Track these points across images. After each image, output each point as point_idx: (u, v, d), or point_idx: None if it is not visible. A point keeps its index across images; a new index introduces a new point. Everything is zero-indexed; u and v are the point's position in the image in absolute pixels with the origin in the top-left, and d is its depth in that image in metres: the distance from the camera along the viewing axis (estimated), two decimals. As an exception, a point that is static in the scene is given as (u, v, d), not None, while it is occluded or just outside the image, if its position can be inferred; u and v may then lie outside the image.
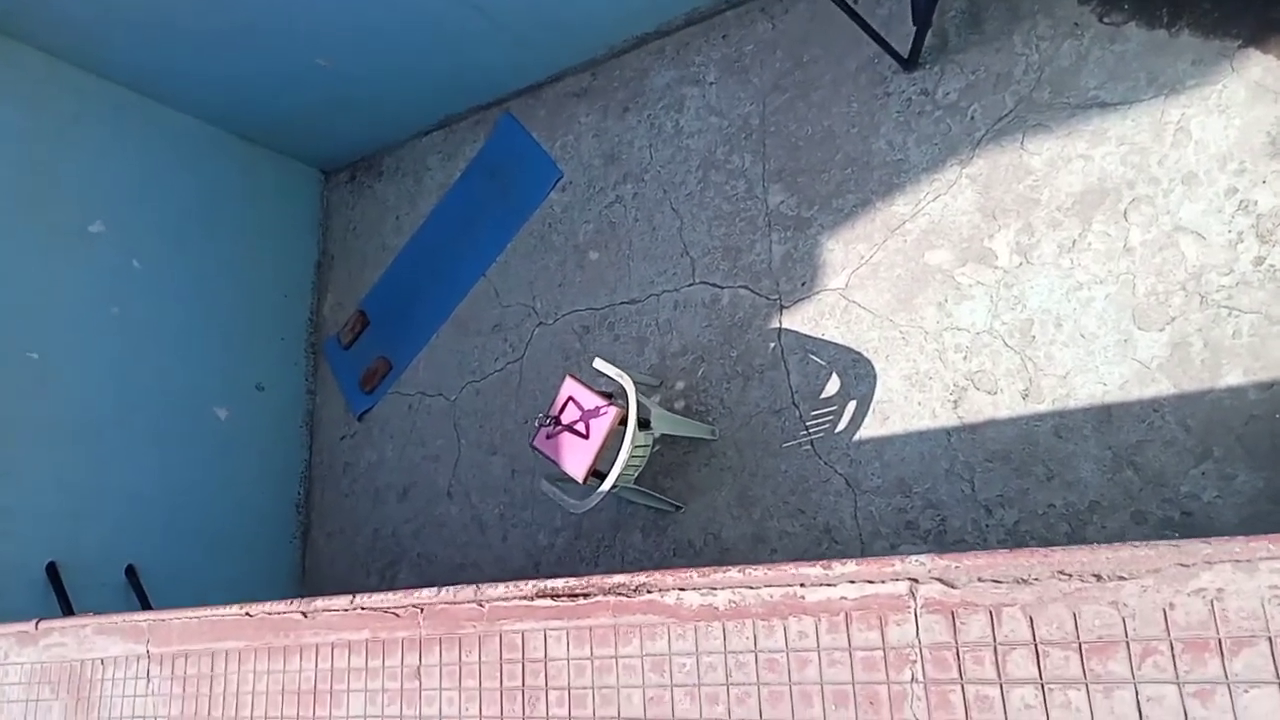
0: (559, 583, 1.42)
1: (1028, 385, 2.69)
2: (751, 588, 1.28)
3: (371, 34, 3.69)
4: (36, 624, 1.86)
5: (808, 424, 3.06)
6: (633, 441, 2.75)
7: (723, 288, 3.37)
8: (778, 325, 3.21)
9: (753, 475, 3.14)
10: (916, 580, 1.16)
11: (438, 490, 4.00)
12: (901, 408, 2.89)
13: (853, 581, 1.21)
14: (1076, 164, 2.71)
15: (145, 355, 3.87)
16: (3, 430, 3.35)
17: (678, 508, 3.25)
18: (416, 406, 4.19)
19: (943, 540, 2.75)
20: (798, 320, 3.17)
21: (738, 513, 3.15)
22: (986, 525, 2.68)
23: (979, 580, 1.11)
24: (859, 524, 2.90)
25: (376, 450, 4.29)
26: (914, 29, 2.98)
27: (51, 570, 3.36)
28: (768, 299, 3.25)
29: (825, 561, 1.24)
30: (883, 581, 1.19)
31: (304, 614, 1.50)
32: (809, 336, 3.13)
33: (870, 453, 2.92)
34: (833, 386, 3.04)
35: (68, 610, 3.29)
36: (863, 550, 2.87)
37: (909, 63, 3.06)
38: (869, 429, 2.94)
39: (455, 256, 4.23)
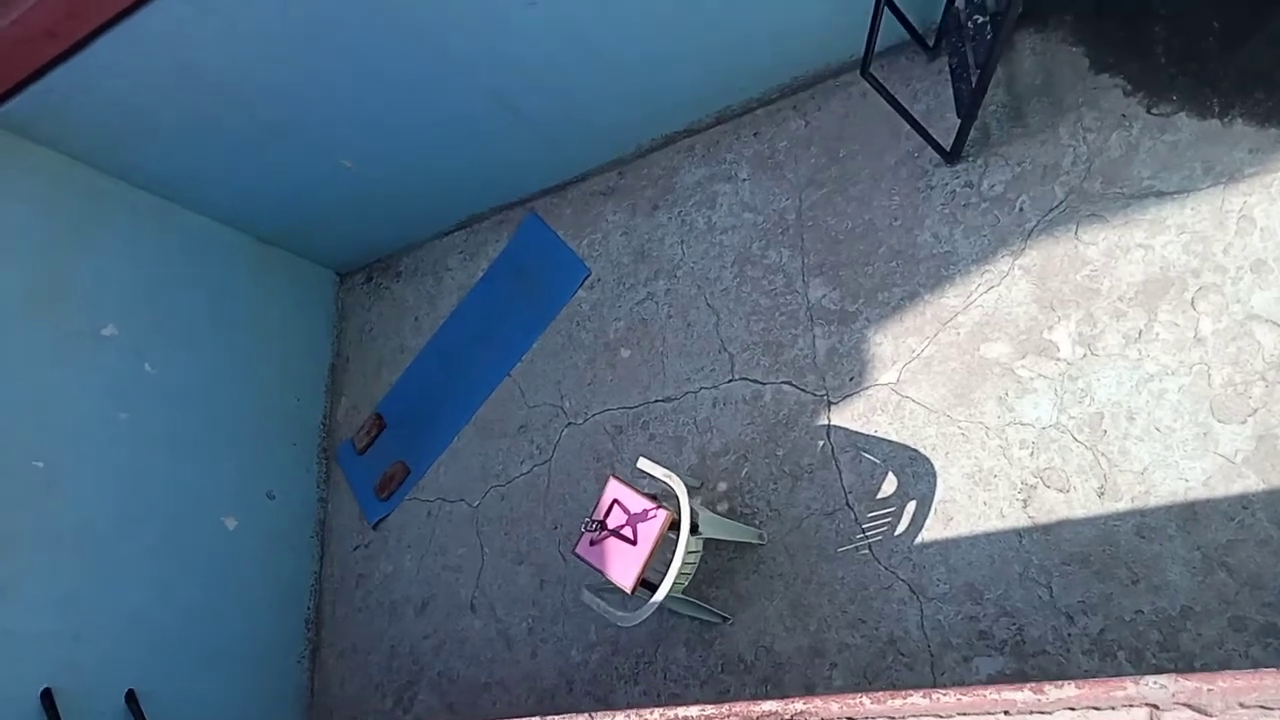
0: (694, 711, 1.22)
1: (1102, 482, 2.55)
2: (940, 717, 1.10)
3: (400, 132, 3.67)
4: None
5: (864, 526, 2.90)
6: (686, 548, 2.58)
7: (764, 384, 3.25)
8: (826, 422, 3.08)
9: (806, 582, 2.95)
10: (1157, 707, 0.99)
11: (459, 603, 3.77)
12: (966, 508, 2.74)
13: (1073, 709, 1.03)
14: (1136, 253, 2.65)
15: (153, 463, 3.69)
16: (2, 544, 3.13)
17: (725, 619, 3.04)
18: (436, 513, 3.99)
19: (1021, 651, 2.55)
20: (847, 417, 3.04)
21: (791, 623, 2.94)
22: (1069, 634, 2.49)
23: (1240, 706, 0.94)
24: (926, 634, 2.70)
25: (393, 561, 4.07)
26: (958, 122, 2.97)
27: (47, 698, 3.09)
28: (814, 395, 3.13)
29: (1035, 685, 1.06)
30: (1113, 708, 1.01)
31: None
32: (860, 434, 3.00)
33: (935, 556, 2.75)
34: (889, 486, 2.89)
35: (61, 743, 3.01)
36: (932, 664, 2.67)
37: (951, 155, 3.03)
38: (932, 531, 2.78)
39: (478, 357, 4.12)
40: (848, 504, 2.95)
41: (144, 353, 3.76)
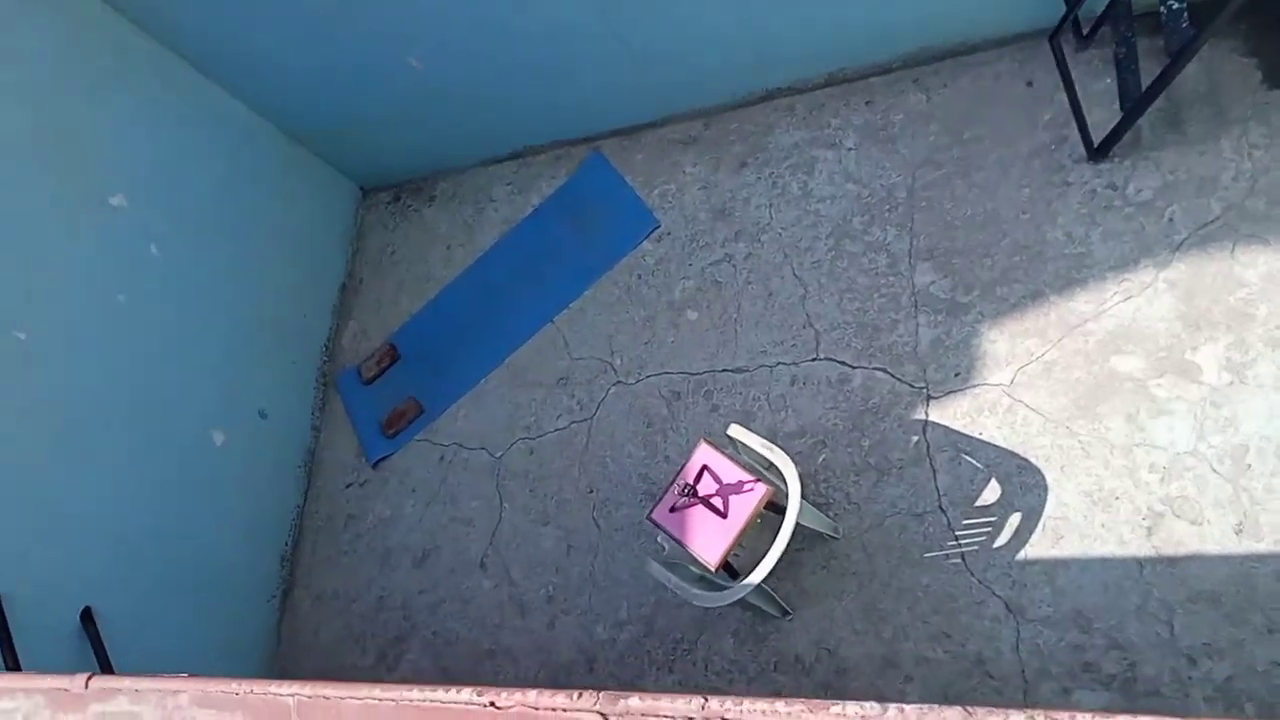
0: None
1: (1242, 519, 2.34)
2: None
3: (483, 35, 3.30)
4: (87, 681, 1.26)
5: (958, 534, 2.65)
6: (793, 532, 2.28)
7: (854, 367, 2.99)
8: (923, 417, 2.82)
9: (884, 586, 2.69)
10: None
11: (468, 559, 3.41)
12: (1080, 527, 2.51)
13: None
14: (1303, 281, 2.46)
15: (146, 354, 3.25)
16: (-33, 414, 2.68)
17: (787, 613, 2.75)
18: (451, 459, 3.62)
19: (1132, 690, 2.33)
20: (949, 414, 2.79)
21: (862, 627, 2.68)
22: (1190, 678, 2.28)
23: None
24: (1021, 658, 2.46)
25: (391, 504, 3.68)
26: (1105, 118, 2.75)
27: (-7, 602, 2.64)
28: (911, 386, 2.87)
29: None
30: None
31: (603, 715, 0.99)
32: (962, 434, 2.75)
33: (1038, 575, 2.51)
34: (991, 494, 2.65)
35: (9, 656, 2.57)
36: (1026, 691, 2.43)
37: (1099, 152, 2.81)
38: (1037, 548, 2.54)
39: (518, 297, 3.76)
40: (940, 507, 2.70)
41: (152, 233, 3.32)
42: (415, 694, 1.10)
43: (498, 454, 3.53)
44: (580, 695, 1.02)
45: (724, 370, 3.21)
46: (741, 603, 2.71)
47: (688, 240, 3.49)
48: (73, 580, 2.91)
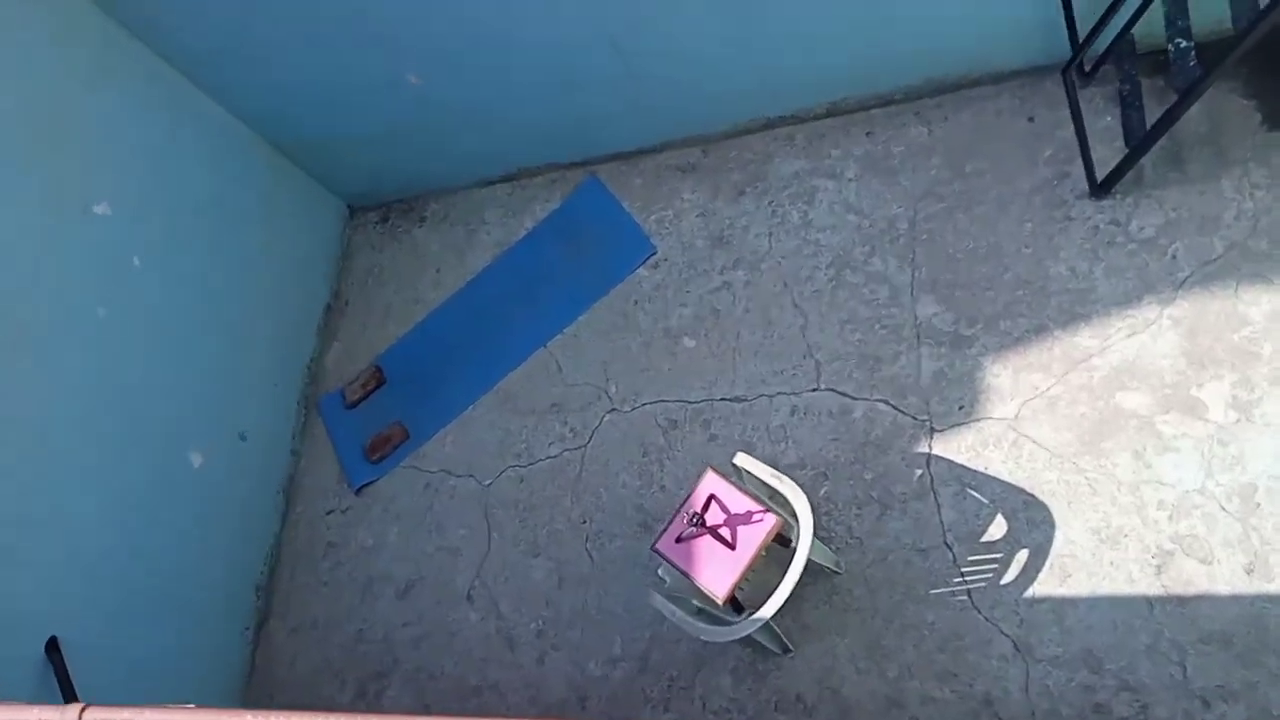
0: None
1: (1252, 559, 2.32)
2: None
3: (484, 52, 3.25)
4: (80, 713, 1.15)
5: (964, 570, 2.60)
6: (804, 565, 2.22)
7: (856, 399, 2.95)
8: (926, 450, 2.79)
9: (887, 622, 2.63)
10: None
11: (454, 591, 3.30)
12: (1088, 565, 2.47)
13: None
14: (1308, 320, 2.47)
15: (125, 371, 3.12)
16: (-65, 431, 2.54)
17: (788, 650, 2.68)
18: (437, 487, 3.52)
19: (1144, 733, 2.28)
20: (953, 447, 2.76)
21: (865, 665, 2.61)
22: (1203, 721, 2.24)
23: None
24: (1031, 698, 2.41)
25: (374, 533, 3.56)
26: (1106, 155, 2.76)
27: (-46, 631, 2.49)
28: (914, 419, 2.84)
29: None
30: None
31: None
32: (967, 468, 2.71)
33: (1047, 614, 2.47)
34: (997, 529, 2.61)
35: (-31, 689, 2.41)
36: (1036, 734, 2.37)
37: (1102, 188, 2.82)
38: (1045, 585, 2.50)
39: (510, 322, 3.69)
40: (946, 543, 2.66)
41: (135, 243, 3.20)
42: None
43: (486, 482, 3.43)
44: None
45: (722, 399, 3.16)
46: (742, 639, 2.64)
47: (685, 267, 3.45)
48: (38, 607, 2.76)
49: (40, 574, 2.78)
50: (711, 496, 2.37)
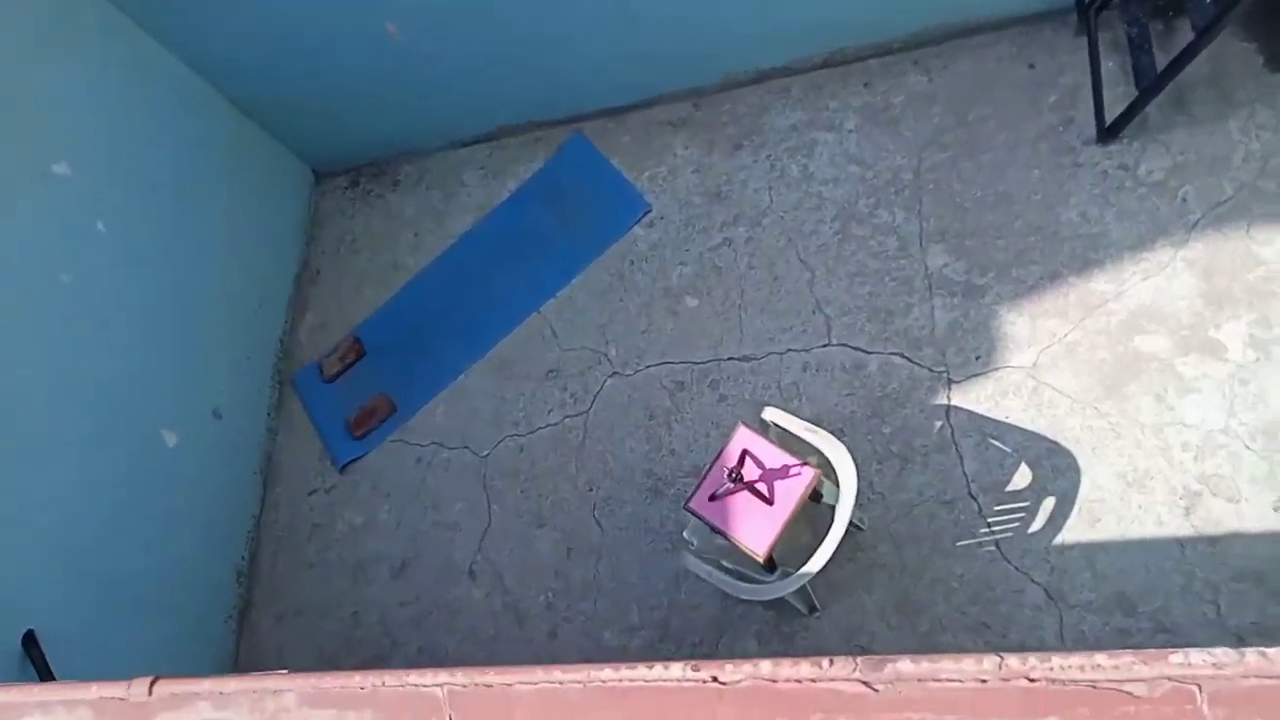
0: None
1: (1279, 495, 2.34)
2: None
3: (472, 6, 3.08)
4: (151, 685, 1.01)
5: (990, 521, 2.57)
6: (849, 518, 2.16)
7: (870, 353, 2.89)
8: (945, 401, 2.75)
9: (915, 577, 2.59)
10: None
11: (454, 567, 3.17)
12: (1116, 509, 2.46)
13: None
14: (1323, 258, 2.48)
15: (93, 343, 2.90)
16: (-110, 415, 2.31)
17: (815, 610, 2.63)
18: (430, 460, 3.37)
19: (1181, 673, 2.28)
20: (972, 398, 2.72)
21: (896, 621, 2.57)
22: (1238, 658, 2.24)
23: None
24: (1067, 645, 2.39)
25: (363, 511, 3.40)
26: (1127, 98, 2.74)
27: (-76, 630, 2.27)
28: (931, 370, 2.80)
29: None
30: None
31: (867, 684, 0.82)
32: (987, 418, 2.68)
33: (1078, 560, 2.46)
34: (1022, 478, 2.59)
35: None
36: (1073, 679, 2.35)
37: (1110, 133, 2.80)
38: (1074, 531, 2.49)
39: (497, 286, 3.54)
40: (970, 494, 2.62)
41: (98, 206, 2.97)
42: (608, 673, 0.92)
43: (483, 453, 3.29)
44: (832, 662, 0.86)
45: (730, 359, 3.07)
46: (768, 601, 2.58)
47: (682, 224, 3.35)
48: (14, 600, 2.55)
49: (13, 566, 2.57)
50: (745, 452, 2.28)
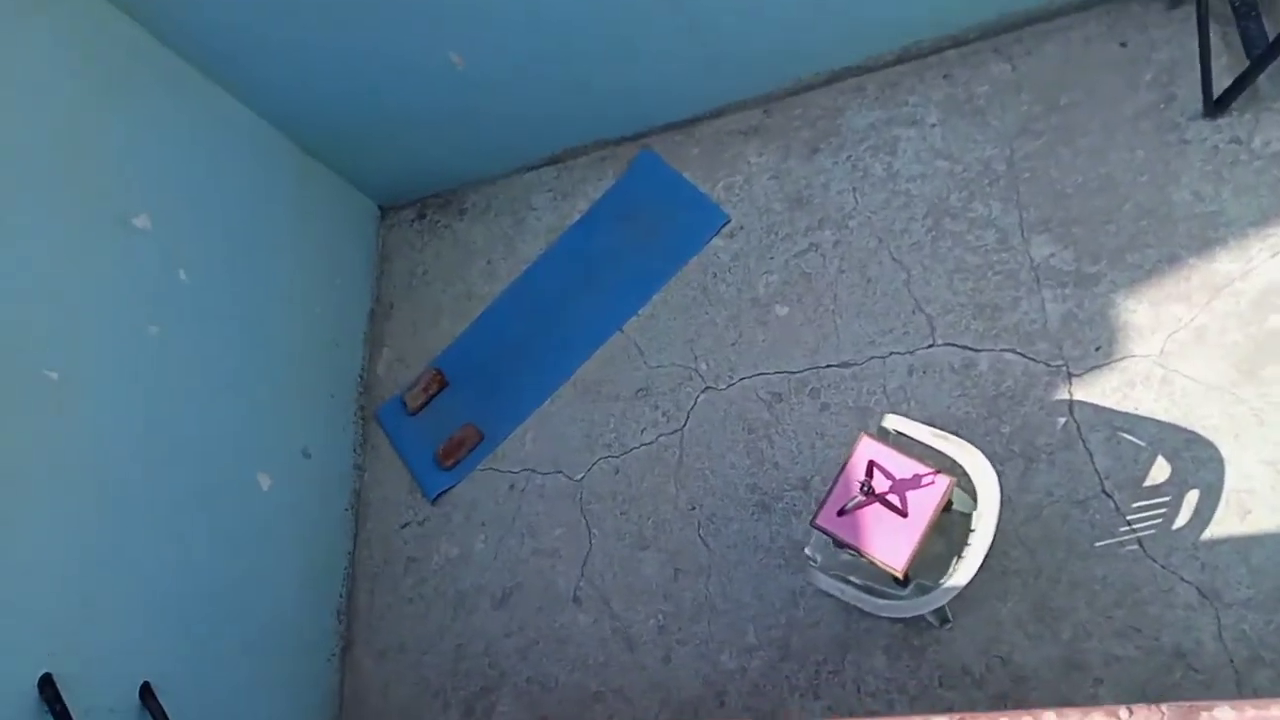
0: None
1: None
2: None
3: (536, 23, 3.03)
4: None
5: (1129, 519, 2.45)
6: (971, 527, 2.05)
7: (979, 350, 2.78)
8: (1066, 397, 2.63)
9: (1053, 582, 2.47)
10: None
11: (557, 594, 3.10)
12: (1267, 499, 2.33)
13: None
14: None
15: (185, 392, 2.88)
16: (4, 470, 2.29)
17: (947, 622, 2.51)
18: (523, 487, 3.31)
19: (1358, 670, 2.14)
20: (1096, 391, 2.60)
21: (1035, 630, 2.45)
22: None
23: None
24: (1227, 646, 2.25)
25: (458, 542, 3.34)
26: (1238, 68, 2.62)
27: (48, 685, 2.24)
28: (1048, 365, 2.68)
29: None
30: None
31: None
32: (1116, 411, 2.56)
33: (1230, 555, 2.32)
34: (1160, 472, 2.46)
35: (74, 750, 2.18)
36: (1238, 682, 2.22)
37: (1219, 106, 2.68)
38: (1223, 525, 2.35)
39: (577, 308, 3.49)
40: (1104, 491, 2.50)
41: (180, 257, 2.96)
42: None
43: (578, 476, 3.23)
44: (1131, 712, 0.77)
45: (828, 366, 2.98)
46: (890, 615, 2.48)
47: (764, 232, 3.27)
48: (129, 653, 2.52)
49: (127, 620, 2.54)
50: (872, 462, 2.19)
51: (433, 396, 3.61)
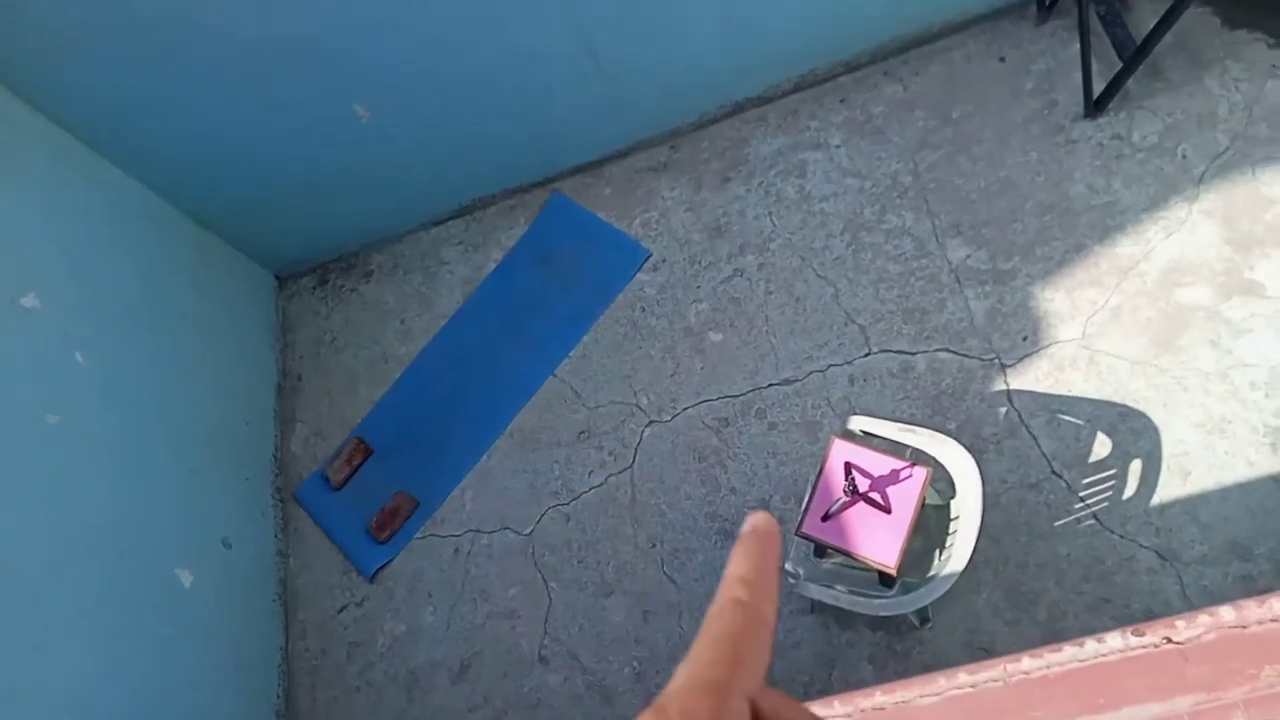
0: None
1: (1355, 416, 2.38)
2: None
3: (444, 74, 2.99)
4: None
5: (1082, 495, 2.54)
6: (950, 516, 2.08)
7: (914, 353, 2.86)
8: (1004, 387, 2.73)
9: (1021, 566, 2.52)
10: None
11: (521, 657, 2.93)
12: (1204, 459, 2.46)
13: None
14: (1331, 187, 2.59)
15: (92, 485, 2.61)
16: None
17: (926, 620, 2.52)
18: (469, 550, 3.14)
19: (1312, 608, 2.26)
20: (1029, 379, 2.71)
21: (1012, 616, 2.48)
22: (1364, 581, 2.24)
23: None
24: (1193, 602, 2.34)
25: (404, 618, 3.13)
26: (1117, 69, 2.84)
27: (-38, 840, 1.92)
28: (981, 360, 2.78)
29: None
30: None
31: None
32: (1051, 394, 2.67)
33: (1180, 516, 2.43)
34: (1102, 447, 2.57)
35: None
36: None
37: (1099, 106, 2.90)
38: (1168, 489, 2.47)
39: (504, 358, 3.39)
40: (1054, 472, 2.58)
41: (74, 337, 2.71)
42: (1028, 663, 0.80)
43: (526, 530, 3.09)
44: None
45: (770, 385, 2.99)
46: (873, 621, 2.47)
47: (688, 263, 3.29)
48: (52, 788, 2.20)
49: (45, 747, 2.22)
50: (848, 464, 2.18)
51: (357, 467, 3.40)
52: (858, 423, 2.34)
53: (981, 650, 2.48)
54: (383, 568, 3.21)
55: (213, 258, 3.53)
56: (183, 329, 3.22)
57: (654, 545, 2.92)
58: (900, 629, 2.55)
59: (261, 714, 3.01)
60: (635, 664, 2.79)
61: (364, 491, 3.36)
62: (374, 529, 3.25)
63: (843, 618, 2.60)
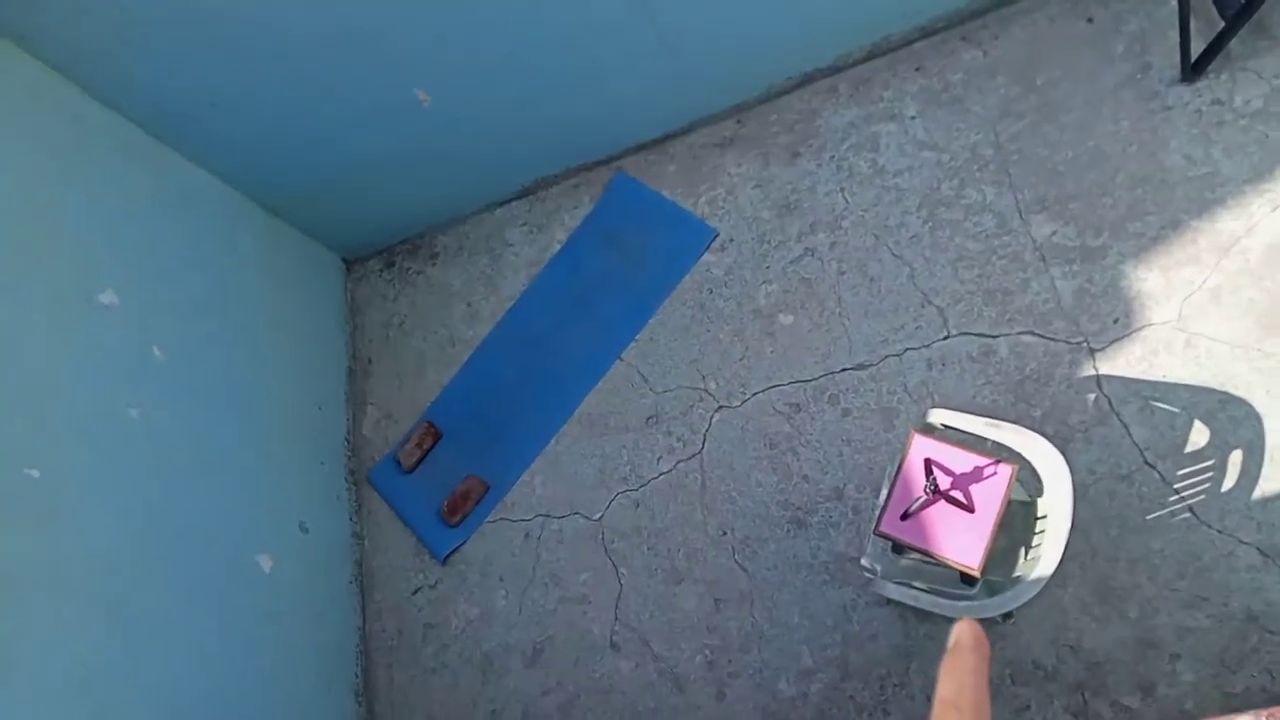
0: None
1: None
2: None
3: (501, 53, 2.93)
4: None
5: (1177, 487, 2.42)
6: (1037, 514, 1.99)
7: (996, 336, 2.75)
8: (1093, 372, 2.60)
9: (1111, 561, 2.42)
10: None
11: (593, 643, 2.95)
12: (1312, 450, 2.32)
13: None
14: None
15: (173, 476, 2.68)
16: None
17: (1009, 616, 2.44)
18: (539, 535, 3.16)
19: None
20: (1121, 363, 2.58)
21: (1101, 612, 2.39)
22: None
23: None
24: (1298, 604, 2.23)
25: (477, 601, 3.17)
26: (1218, 27, 2.65)
27: (68, 824, 2.02)
28: (1068, 343, 2.65)
29: None
30: None
31: None
32: (1144, 380, 2.54)
33: (1284, 511, 2.30)
34: (1199, 436, 2.44)
35: None
36: (1315, 638, 2.19)
37: (1195, 71, 2.71)
38: (1272, 482, 2.33)
39: (570, 341, 3.37)
40: (1147, 462, 2.47)
41: (151, 332, 2.76)
42: None
43: (596, 516, 3.09)
44: None
45: (843, 370, 2.91)
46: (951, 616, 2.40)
47: (756, 242, 3.20)
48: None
49: (143, 730, 2.31)
50: (928, 460, 2.11)
51: (428, 451, 3.44)
52: (938, 415, 2.26)
53: (1067, 647, 2.40)
54: (454, 551, 3.25)
55: (282, 244, 3.56)
56: (255, 316, 3.27)
57: (724, 533, 2.89)
58: (981, 622, 2.47)
59: (341, 695, 3.09)
60: (707, 652, 2.78)
61: (435, 475, 3.39)
62: (446, 512, 3.28)
63: (921, 610, 2.54)
